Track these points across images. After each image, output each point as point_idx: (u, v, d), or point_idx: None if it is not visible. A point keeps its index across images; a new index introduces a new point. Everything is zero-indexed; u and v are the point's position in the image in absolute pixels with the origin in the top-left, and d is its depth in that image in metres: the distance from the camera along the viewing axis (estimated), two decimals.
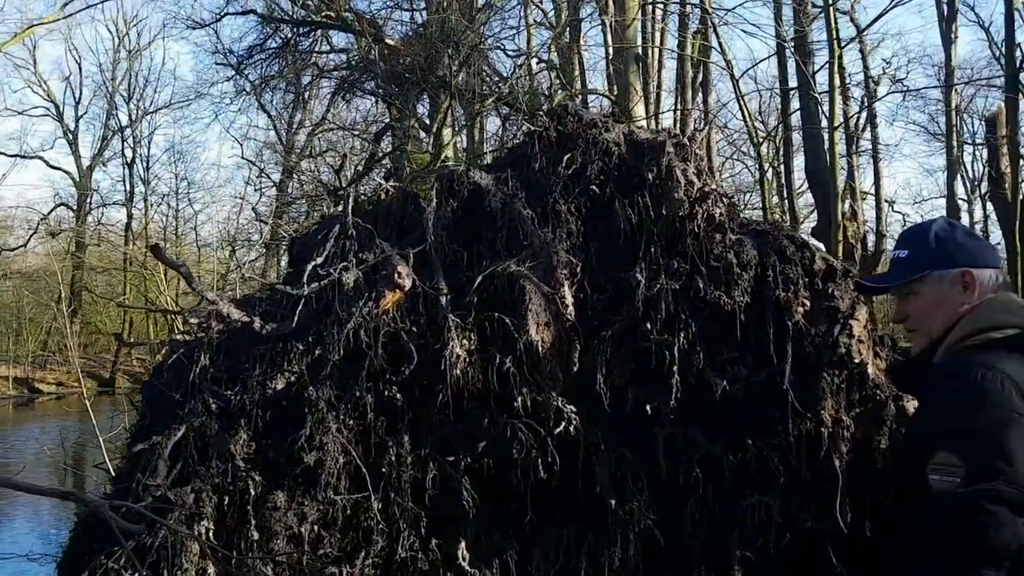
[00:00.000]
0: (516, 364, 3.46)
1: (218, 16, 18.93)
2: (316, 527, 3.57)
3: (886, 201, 37.27)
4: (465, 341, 3.40)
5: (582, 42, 18.93)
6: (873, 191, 33.32)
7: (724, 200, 3.53)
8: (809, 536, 3.76)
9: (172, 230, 34.45)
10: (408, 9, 18.24)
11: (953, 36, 25.17)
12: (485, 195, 3.37)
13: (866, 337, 3.60)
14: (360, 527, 3.62)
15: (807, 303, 3.56)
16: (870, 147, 33.47)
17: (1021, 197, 14.31)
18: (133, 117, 34.06)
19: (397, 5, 18.72)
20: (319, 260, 3.16)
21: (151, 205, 34.03)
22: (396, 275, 2.97)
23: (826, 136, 11.61)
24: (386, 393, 3.51)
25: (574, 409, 3.60)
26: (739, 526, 3.82)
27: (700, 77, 20.70)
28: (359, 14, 17.95)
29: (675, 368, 3.62)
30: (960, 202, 32.91)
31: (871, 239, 31.98)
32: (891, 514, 3.63)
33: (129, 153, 33.63)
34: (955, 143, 28.58)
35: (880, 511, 3.63)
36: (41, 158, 33.77)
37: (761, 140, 12.60)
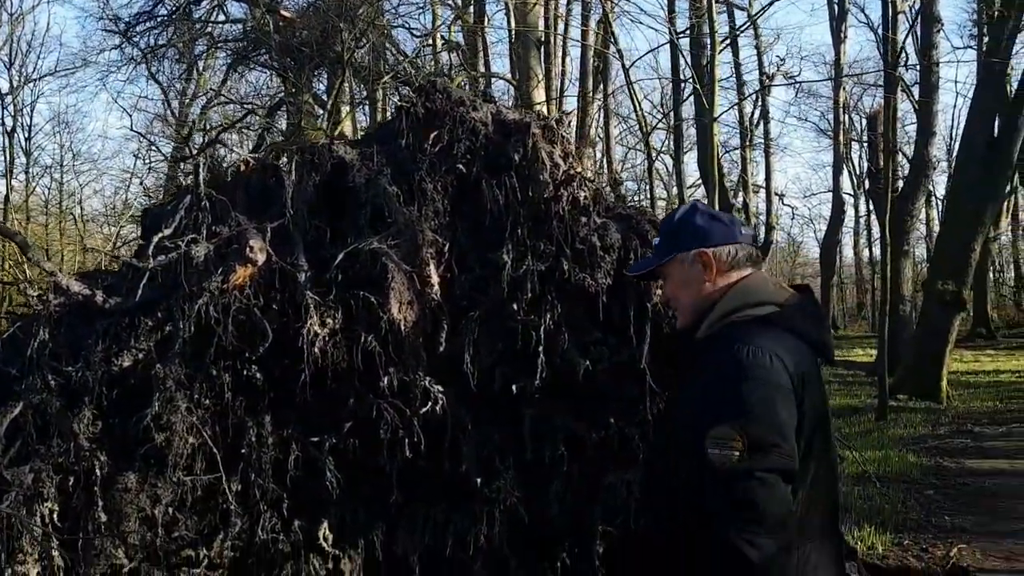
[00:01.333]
0: (381, 343, 3.43)
1: None
2: (171, 509, 3.47)
3: (776, 194, 38.75)
4: (329, 320, 3.35)
5: (486, 23, 18.92)
6: (768, 184, 34.55)
7: (589, 184, 3.57)
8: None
9: (56, 203, 32.70)
10: None
11: (843, 35, 26.29)
12: (349, 170, 3.31)
13: None
14: (217, 509, 3.53)
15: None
16: (762, 142, 34.67)
17: (893, 193, 15.07)
18: (14, 84, 32.11)
19: None
20: (167, 232, 3.05)
21: (33, 177, 32.21)
22: (248, 249, 2.88)
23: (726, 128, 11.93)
24: (244, 372, 3.43)
25: (441, 389, 3.59)
26: (601, 503, 3.91)
27: (601, 66, 21.00)
28: None
29: (540, 349, 3.67)
30: (846, 196, 34.69)
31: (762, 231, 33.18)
32: None
33: (10, 122, 31.70)
34: (842, 139, 29.98)
35: None
36: None
37: (649, 131, 12.85)
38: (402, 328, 3.17)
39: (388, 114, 17.99)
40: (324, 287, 3.21)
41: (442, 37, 22.33)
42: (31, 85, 32.47)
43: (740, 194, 36.62)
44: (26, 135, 32.00)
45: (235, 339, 3.12)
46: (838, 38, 26.04)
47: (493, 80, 18.55)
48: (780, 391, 1.67)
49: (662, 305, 3.69)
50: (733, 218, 1.98)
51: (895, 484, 6.30)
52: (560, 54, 18.34)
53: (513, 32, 16.70)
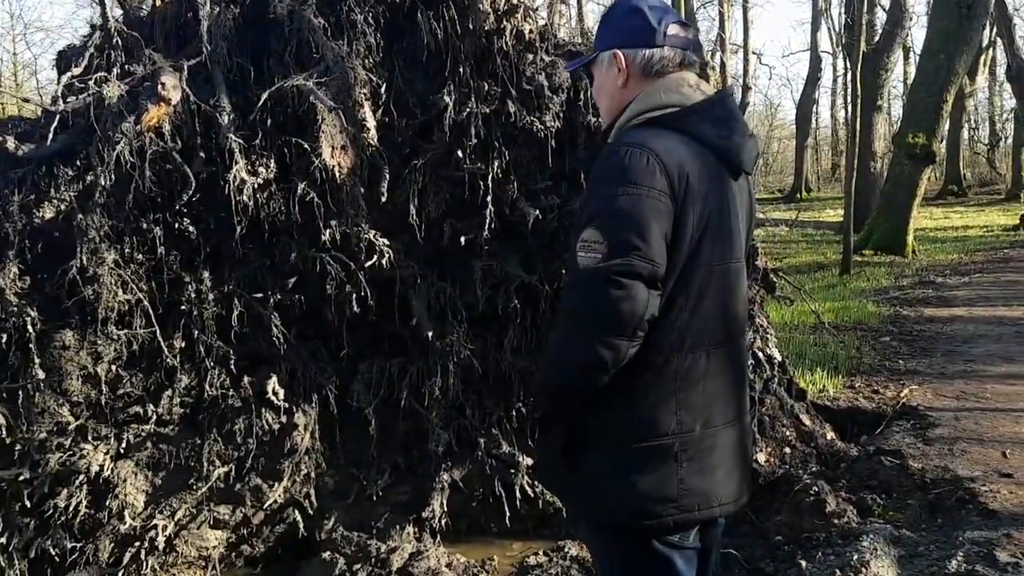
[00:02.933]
0: (319, 194, 3.28)
1: None
2: (114, 367, 3.39)
3: (753, 53, 37.88)
4: (261, 169, 3.18)
5: None
6: (745, 43, 33.68)
7: (534, 17, 3.35)
8: None
9: (11, 75, 31.29)
10: None
11: None
12: (271, 1, 3.06)
13: None
14: (163, 366, 3.46)
15: None
16: None
17: (867, 45, 14.70)
18: None
19: None
20: (76, 72, 2.83)
21: None
22: (160, 87, 2.68)
23: None
24: (176, 225, 3.28)
25: (387, 242, 3.47)
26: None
27: None
28: None
29: (489, 198, 3.54)
30: (824, 55, 33.96)
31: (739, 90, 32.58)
32: None
33: None
34: None
35: None
36: None
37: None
38: (337, 176, 3.01)
39: None
40: (249, 130, 3.03)
41: None
42: None
43: (718, 54, 35.84)
44: None
45: (155, 186, 2.96)
46: None
47: None
48: (651, 193, 1.57)
49: None
50: (666, 15, 1.81)
51: (852, 332, 6.38)
52: None
53: None
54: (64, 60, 3.12)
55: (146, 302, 3.26)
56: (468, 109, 3.33)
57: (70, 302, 2.95)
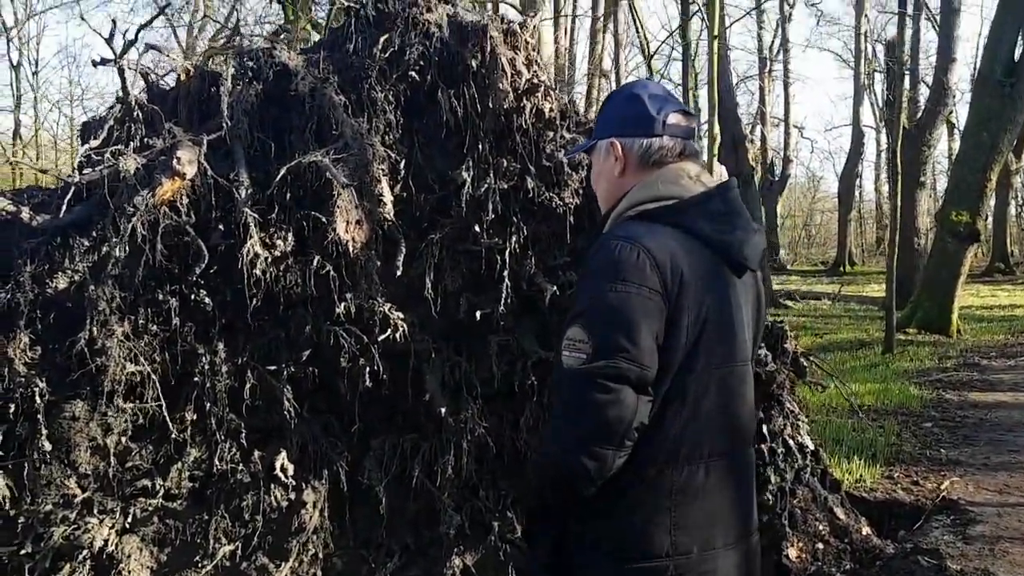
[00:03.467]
0: (335, 267, 3.25)
1: None
2: (123, 438, 3.35)
3: (795, 127, 38.00)
4: (279, 242, 3.17)
5: None
6: (793, 118, 33.80)
7: (555, 95, 3.33)
8: None
9: (66, 139, 32.51)
10: None
11: None
12: (293, 78, 3.08)
13: None
14: (172, 439, 3.42)
15: None
16: (782, 72, 33.82)
17: (910, 122, 14.60)
18: (19, 17, 31.69)
19: None
20: (94, 144, 2.86)
21: (41, 112, 32.01)
22: (175, 161, 2.69)
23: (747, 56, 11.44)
24: (192, 297, 3.27)
25: (402, 316, 3.43)
26: None
27: None
28: None
29: (506, 273, 3.48)
30: (867, 129, 33.89)
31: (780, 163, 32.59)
32: None
33: (16, 56, 31.37)
34: (863, 69, 29.15)
35: None
36: None
37: (651, 54, 12.40)
38: (351, 250, 2.98)
39: None
40: (265, 204, 3.02)
41: None
42: (36, 18, 32.17)
43: (758, 127, 36.00)
44: (33, 69, 31.76)
45: (166, 260, 2.95)
46: None
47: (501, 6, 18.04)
48: (641, 291, 1.48)
49: None
50: (666, 104, 1.75)
51: (892, 417, 6.13)
52: None
53: None
54: (87, 131, 3.16)
55: (156, 374, 3.23)
56: (486, 185, 3.30)
57: (76, 374, 2.92)
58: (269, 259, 2.97)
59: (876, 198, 44.72)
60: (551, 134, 3.34)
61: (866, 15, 28.07)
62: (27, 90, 31.27)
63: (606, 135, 1.75)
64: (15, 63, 30.99)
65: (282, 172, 2.95)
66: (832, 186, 46.06)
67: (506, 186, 3.32)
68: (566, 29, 20.43)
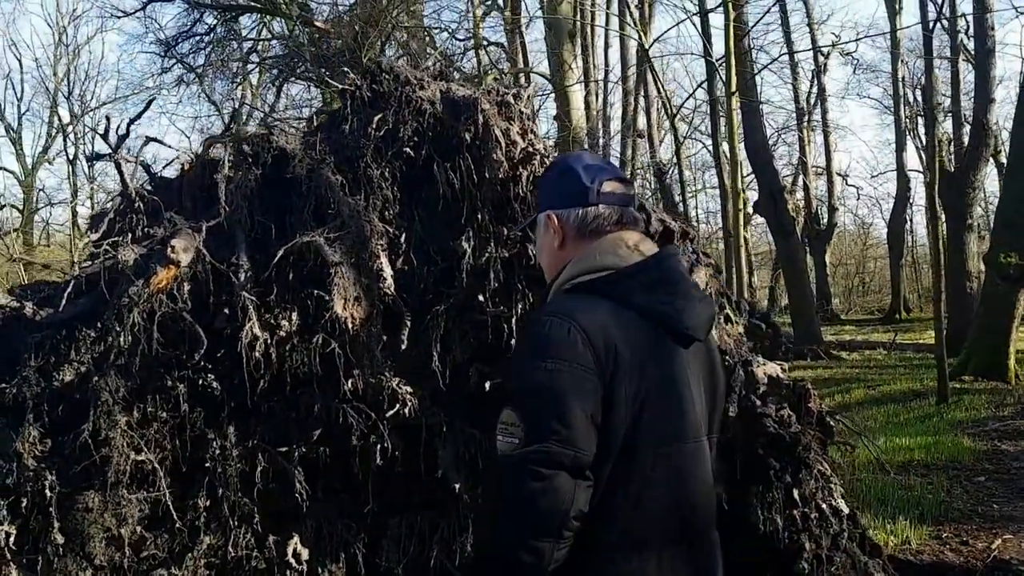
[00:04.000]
0: (340, 344, 3.24)
1: (144, 4, 18.55)
2: (138, 528, 3.34)
3: (838, 175, 37.64)
4: (284, 322, 3.17)
5: (522, 20, 18.78)
6: (836, 166, 33.54)
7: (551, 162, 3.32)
8: None
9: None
10: None
11: (898, 7, 25.37)
12: (291, 160, 3.13)
13: None
14: (187, 526, 3.39)
15: None
16: (820, 122, 33.67)
17: (954, 164, 14.33)
18: (75, 113, 33.24)
19: None
20: (94, 236, 2.92)
21: (98, 203, 33.20)
22: (169, 250, 2.72)
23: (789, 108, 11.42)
24: (200, 382, 3.28)
25: (410, 390, 3.39)
26: None
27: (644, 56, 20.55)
28: None
29: (513, 341, 3.43)
30: (913, 173, 33.38)
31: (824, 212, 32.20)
32: (744, 478, 3.49)
33: (72, 151, 32.82)
34: (904, 114, 28.87)
35: (728, 482, 3.48)
36: None
37: (674, 113, 12.42)
38: (350, 326, 2.97)
39: None
40: (264, 286, 3.04)
41: (484, 39, 22.27)
42: (91, 113, 33.65)
43: (800, 177, 35.70)
44: (89, 163, 33.13)
45: (172, 346, 2.97)
46: (893, 9, 25.13)
47: (532, 77, 18.38)
48: (573, 368, 1.41)
49: None
50: (601, 173, 1.71)
51: (943, 472, 5.84)
52: (590, 42, 18.02)
53: (543, 22, 16.53)
54: (94, 224, 3.24)
55: (167, 462, 3.23)
56: (487, 254, 3.28)
57: (79, 467, 2.93)
58: (270, 340, 2.97)
59: (930, 242, 43.80)
60: None
61: (903, 60, 27.94)
62: (84, 182, 32.57)
63: (544, 208, 1.73)
64: (71, 157, 32.43)
65: (279, 254, 2.97)
66: (883, 232, 45.31)
67: (507, 254, 3.29)
68: (597, 92, 20.69)
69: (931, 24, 11.30)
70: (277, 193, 3.20)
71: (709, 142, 32.59)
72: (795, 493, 3.59)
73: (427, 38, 17.71)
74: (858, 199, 41.80)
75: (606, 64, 22.16)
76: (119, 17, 18.09)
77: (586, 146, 15.18)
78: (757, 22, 13.32)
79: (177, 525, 3.38)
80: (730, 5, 9.03)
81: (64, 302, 2.82)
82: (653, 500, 1.47)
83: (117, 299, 2.72)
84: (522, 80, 18.61)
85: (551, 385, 1.41)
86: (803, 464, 3.48)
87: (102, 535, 3.27)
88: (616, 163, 20.10)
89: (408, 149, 3.18)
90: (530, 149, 3.22)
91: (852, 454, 3.92)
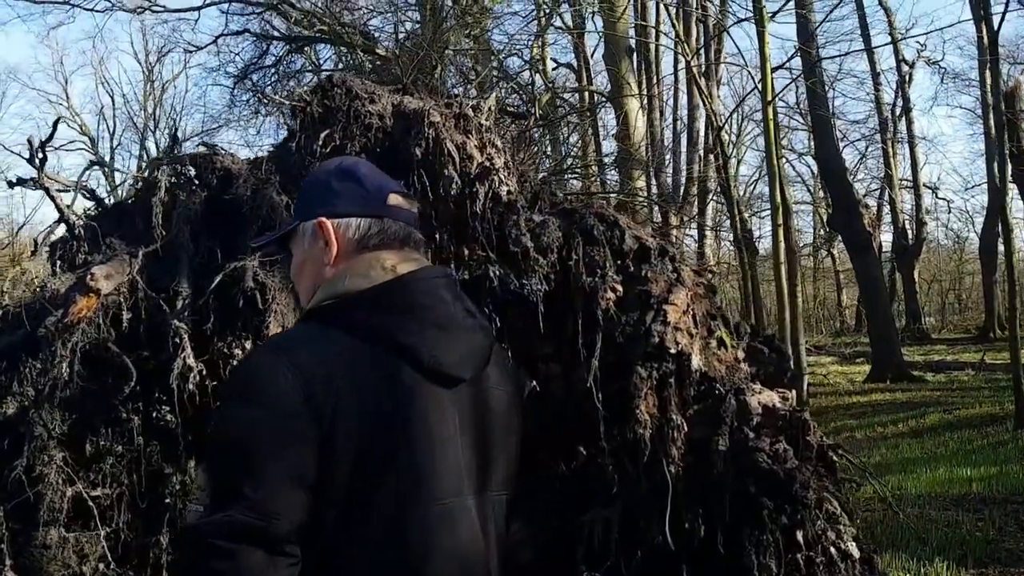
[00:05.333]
0: None
1: (214, 38, 19.16)
2: (101, 565, 3.24)
3: (927, 187, 36.07)
4: (226, 350, 3.04)
5: (585, 41, 18.65)
6: (924, 178, 32.15)
7: (515, 176, 3.11)
8: (662, 554, 3.31)
9: None
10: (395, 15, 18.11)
11: (982, 13, 24.24)
12: (235, 181, 3.01)
13: (687, 323, 3.13)
14: (151, 563, 3.29)
15: (618, 288, 3.12)
16: (906, 132, 32.37)
17: None
18: (162, 148, 34.59)
19: (392, 9, 18.65)
20: (30, 265, 2.85)
21: None
22: (89, 278, 2.61)
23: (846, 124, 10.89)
24: (154, 414, 3.17)
25: None
26: (584, 544, 3.40)
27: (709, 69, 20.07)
28: (350, 25, 17.94)
29: None
30: (1013, 186, 31.61)
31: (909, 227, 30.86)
32: (734, 523, 3.18)
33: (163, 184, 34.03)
34: (991, 123, 27.47)
35: (721, 522, 3.17)
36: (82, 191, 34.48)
37: (721, 125, 11.98)
38: None
39: None
40: (202, 314, 2.91)
41: (553, 60, 22.22)
42: (179, 146, 34.93)
43: (886, 191, 34.27)
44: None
45: (111, 379, 2.86)
46: (979, 15, 24.00)
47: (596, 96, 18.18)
48: (275, 415, 1.17)
49: (614, 310, 3.16)
50: (386, 183, 1.47)
51: (999, 505, 5.29)
52: (653, 59, 17.71)
53: (603, 40, 16.37)
54: (52, 252, 3.18)
55: (121, 499, 3.14)
56: None
57: (10, 504, 2.83)
58: (205, 371, 2.82)
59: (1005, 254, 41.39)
60: (514, 217, 3.10)
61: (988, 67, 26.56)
62: None
63: (311, 215, 1.47)
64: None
65: (216, 280, 2.83)
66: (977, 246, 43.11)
67: (466, 276, 3.08)
68: (662, 109, 20.30)
69: (998, 25, 10.62)
70: (223, 217, 3.08)
71: (791, 156, 31.73)
72: (798, 535, 3.24)
73: (493, 61, 17.75)
74: (949, 212, 39.83)
75: (655, 77, 21.70)
76: (192, 51, 18.72)
77: (648, 163, 14.85)
78: (819, 25, 12.77)
79: (136, 562, 3.29)
80: (763, 9, 8.63)
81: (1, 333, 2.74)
82: (400, 572, 1.22)
83: (34, 331, 2.63)
84: (586, 98, 18.43)
85: (243, 437, 1.19)
86: (800, 503, 3.14)
87: (62, 572, 3.19)
88: (681, 181, 19.63)
89: None
90: (487, 164, 3.01)
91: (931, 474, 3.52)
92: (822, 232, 38.46)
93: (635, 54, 17.01)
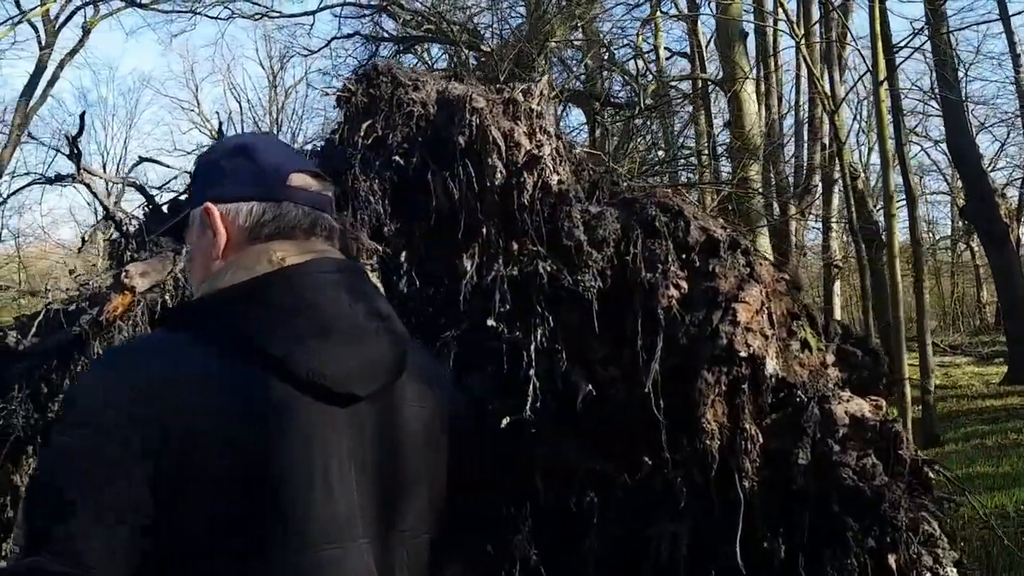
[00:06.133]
0: None
1: (327, 41, 19.61)
2: None
3: None
4: None
5: (699, 27, 18.10)
6: None
7: (567, 164, 2.89)
8: (737, 574, 3.02)
9: None
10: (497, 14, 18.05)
11: None
12: None
13: (761, 323, 2.82)
14: None
15: (682, 285, 2.84)
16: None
17: None
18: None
19: (494, 6, 18.62)
20: (76, 264, 2.84)
21: None
22: (124, 275, 2.56)
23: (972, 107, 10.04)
24: None
25: None
26: (650, 560, 3.15)
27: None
28: (456, 24, 18.03)
29: (532, 372, 3.00)
30: None
31: None
32: (815, 544, 2.86)
33: None
34: None
35: (801, 541, 2.85)
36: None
37: (835, 108, 11.21)
38: None
39: (604, 136, 17.59)
40: None
41: (667, 49, 21.70)
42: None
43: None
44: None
45: None
46: None
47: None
48: (99, 446, 0.97)
49: (677, 309, 2.89)
50: (288, 160, 1.25)
51: None
52: (770, 43, 16.95)
53: (716, 25, 15.82)
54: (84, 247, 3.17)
55: None
56: (494, 272, 2.89)
57: None
58: None
59: None
60: (567, 209, 2.88)
61: None
62: None
63: (199, 201, 1.27)
64: None
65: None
66: None
67: (515, 272, 2.88)
68: (780, 96, 19.42)
69: None
70: None
71: (927, 144, 29.89)
72: (890, 560, 2.89)
73: (603, 52, 17.47)
74: None
75: (773, 62, 20.74)
76: (305, 56, 19.25)
77: (760, 153, 14.18)
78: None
79: None
80: None
81: (45, 330, 2.74)
82: None
83: (73, 329, 2.61)
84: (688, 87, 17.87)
85: (55, 469, 1.00)
86: (889, 524, 2.78)
87: None
88: (800, 170, 18.69)
89: (397, 158, 2.86)
90: (535, 152, 2.80)
91: (958, 510, 3.12)
92: (960, 224, 36.08)
93: (753, 39, 16.36)
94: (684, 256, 2.85)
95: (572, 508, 3.17)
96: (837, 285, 19.20)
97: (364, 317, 1.14)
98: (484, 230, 2.88)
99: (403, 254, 2.97)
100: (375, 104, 2.98)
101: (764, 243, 12.45)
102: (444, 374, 1.37)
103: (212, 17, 18.49)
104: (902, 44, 9.82)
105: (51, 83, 19.41)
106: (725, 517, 3.00)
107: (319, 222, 1.23)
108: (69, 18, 19.72)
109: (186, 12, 18.37)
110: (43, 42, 18.96)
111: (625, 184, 3.18)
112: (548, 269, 2.88)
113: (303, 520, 1.04)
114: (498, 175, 2.76)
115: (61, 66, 19.65)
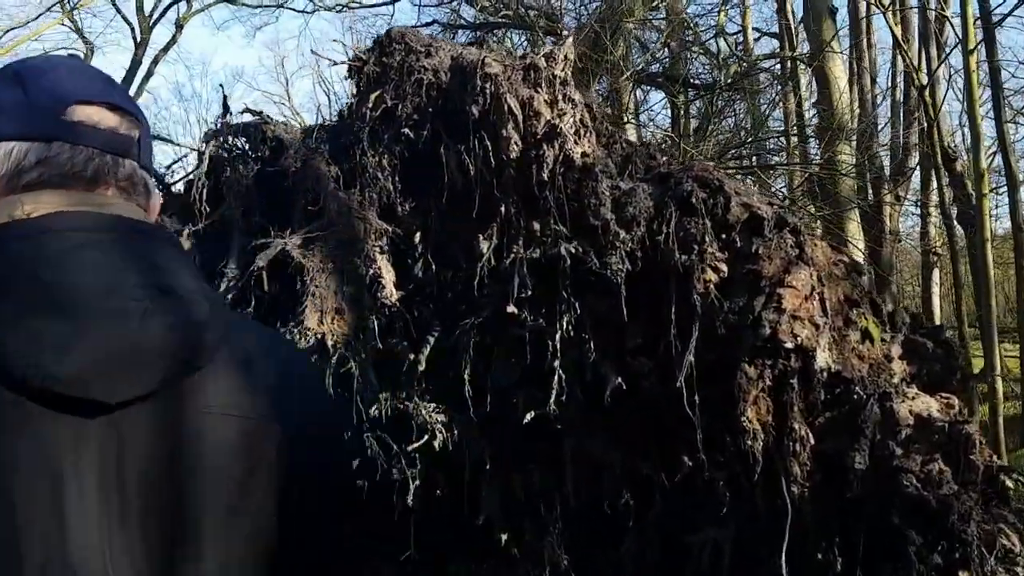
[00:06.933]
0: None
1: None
2: None
3: None
4: None
5: (790, 6, 17.38)
6: None
7: (593, 136, 2.63)
8: None
9: None
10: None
11: None
12: (285, 152, 2.75)
13: (811, 311, 2.51)
14: None
15: (720, 268, 2.55)
16: None
17: None
18: None
19: None
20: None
21: None
22: None
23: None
24: None
25: (444, 419, 2.88)
26: (692, 565, 2.89)
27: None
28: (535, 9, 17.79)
29: (556, 363, 2.76)
30: None
31: None
32: (871, 559, 2.54)
33: None
34: None
35: (856, 555, 2.52)
36: None
37: (925, 85, 10.44)
38: (328, 343, 2.51)
39: (675, 116, 17.06)
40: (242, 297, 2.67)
41: (756, 29, 20.97)
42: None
43: None
44: None
45: None
46: None
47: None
48: None
49: (716, 295, 2.59)
50: (76, 89, 0.98)
51: None
52: (863, 19, 16.06)
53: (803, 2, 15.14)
54: None
55: None
56: (514, 254, 2.66)
57: None
58: None
59: None
60: (592, 184, 2.62)
61: None
62: None
63: None
64: None
65: (257, 262, 2.59)
66: None
67: (537, 255, 2.65)
68: (873, 75, 18.43)
69: None
70: (273, 191, 2.83)
71: None
72: None
73: (689, 33, 16.95)
74: None
75: (866, 38, 19.70)
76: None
77: (847, 133, 13.45)
78: None
79: None
80: None
81: None
82: None
83: None
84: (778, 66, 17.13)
85: None
86: (958, 539, 2.43)
87: None
88: (896, 153, 17.72)
89: (407, 130, 2.65)
90: (555, 122, 2.55)
91: None
92: None
93: (845, 13, 15.56)
94: (724, 236, 2.56)
95: (607, 510, 2.93)
96: (936, 274, 18.13)
97: (131, 291, 0.89)
98: (502, 208, 2.65)
99: (417, 235, 2.76)
100: (387, 74, 2.77)
101: (854, 228, 11.82)
102: (307, 379, 1.10)
103: (295, 10, 18.71)
104: (1004, 12, 9.06)
105: (146, 78, 19.98)
106: (772, 524, 2.71)
107: (107, 169, 0.98)
108: (163, 14, 20.27)
109: (272, 6, 18.63)
110: (138, 38, 19.54)
111: (664, 159, 2.87)
112: (573, 251, 2.63)
113: (21, 561, 0.81)
114: (513, 147, 2.52)
115: (155, 61, 20.21)
